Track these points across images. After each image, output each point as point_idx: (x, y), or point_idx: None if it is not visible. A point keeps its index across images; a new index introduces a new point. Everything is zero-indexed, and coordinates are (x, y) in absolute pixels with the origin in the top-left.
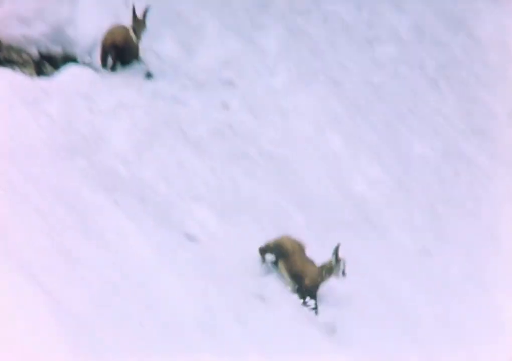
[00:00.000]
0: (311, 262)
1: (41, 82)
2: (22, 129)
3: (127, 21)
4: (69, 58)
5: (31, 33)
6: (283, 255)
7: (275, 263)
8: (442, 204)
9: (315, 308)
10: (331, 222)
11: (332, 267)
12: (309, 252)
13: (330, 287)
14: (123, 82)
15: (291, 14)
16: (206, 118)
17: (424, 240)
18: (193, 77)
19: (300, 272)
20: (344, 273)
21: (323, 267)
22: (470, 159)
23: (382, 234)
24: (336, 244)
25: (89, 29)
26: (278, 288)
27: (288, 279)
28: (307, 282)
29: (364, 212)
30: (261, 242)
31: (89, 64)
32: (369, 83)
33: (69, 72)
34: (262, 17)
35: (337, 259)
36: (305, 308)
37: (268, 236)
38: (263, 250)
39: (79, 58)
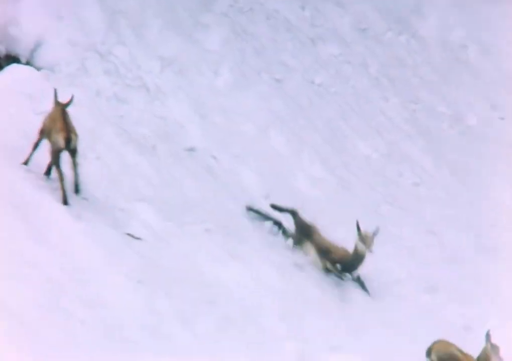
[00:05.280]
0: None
1: None
2: None
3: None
4: (11, 58)
5: None
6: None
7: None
8: (386, 205)
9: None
10: None
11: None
12: None
13: None
14: (66, 81)
15: (234, 13)
16: (149, 117)
17: None
18: (135, 76)
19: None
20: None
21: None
22: (413, 159)
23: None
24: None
25: (32, 29)
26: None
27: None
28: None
29: (307, 211)
30: (207, 243)
31: (32, 64)
32: (312, 82)
33: (11, 72)
34: (205, 16)
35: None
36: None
37: (213, 236)
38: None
39: (21, 58)
